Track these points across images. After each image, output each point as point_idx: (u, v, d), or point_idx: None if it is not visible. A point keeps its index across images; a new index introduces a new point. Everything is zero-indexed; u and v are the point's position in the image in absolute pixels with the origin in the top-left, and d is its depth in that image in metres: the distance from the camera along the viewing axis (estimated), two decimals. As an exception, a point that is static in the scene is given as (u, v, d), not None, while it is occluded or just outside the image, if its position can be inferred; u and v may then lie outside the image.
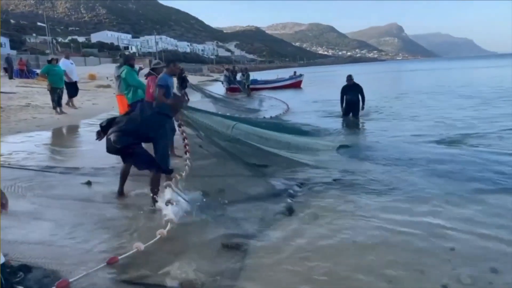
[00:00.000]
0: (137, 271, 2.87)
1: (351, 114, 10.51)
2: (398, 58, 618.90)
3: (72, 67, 12.95)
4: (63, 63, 12.50)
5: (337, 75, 37.42)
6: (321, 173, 5.44)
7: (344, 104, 10.62)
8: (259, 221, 3.85)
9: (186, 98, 13.03)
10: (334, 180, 5.11)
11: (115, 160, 5.16)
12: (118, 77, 8.02)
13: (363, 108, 10.39)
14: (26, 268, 2.72)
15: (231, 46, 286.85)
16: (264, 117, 11.11)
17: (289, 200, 4.40)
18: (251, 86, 23.55)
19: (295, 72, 29.37)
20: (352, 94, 10.43)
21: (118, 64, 8.94)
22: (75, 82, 13.28)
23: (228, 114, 9.93)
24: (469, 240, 3.34)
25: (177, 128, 5.93)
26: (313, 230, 3.65)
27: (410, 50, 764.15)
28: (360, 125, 10.01)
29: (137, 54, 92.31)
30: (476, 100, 13.93)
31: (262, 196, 4.61)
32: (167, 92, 6.01)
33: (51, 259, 3.01)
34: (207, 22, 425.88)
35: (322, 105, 14.39)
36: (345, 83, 10.62)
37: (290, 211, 4.09)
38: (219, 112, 10.68)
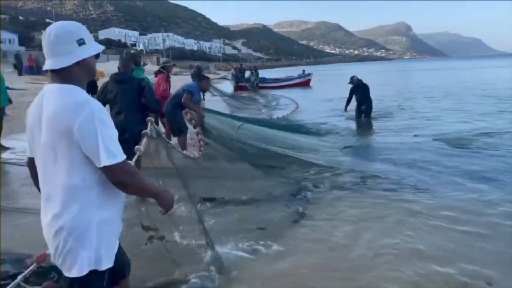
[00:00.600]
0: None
1: (362, 115, 10.46)
2: (405, 57, 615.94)
3: None
4: None
5: (345, 74, 37.09)
6: (332, 173, 5.41)
7: (356, 104, 10.59)
8: (272, 223, 3.82)
9: (202, 98, 13.04)
10: (349, 180, 5.10)
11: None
12: None
13: (370, 110, 10.44)
14: (56, 268, 2.69)
15: (238, 44, 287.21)
16: (271, 118, 11.05)
17: (303, 201, 4.37)
18: (260, 85, 23.73)
19: (303, 71, 29.25)
20: (361, 94, 10.48)
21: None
22: (93, 81, 12.97)
23: (234, 113, 9.89)
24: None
25: (188, 125, 6.01)
26: (328, 232, 3.62)
27: (418, 49, 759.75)
28: (372, 125, 9.92)
29: (144, 52, 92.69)
30: (491, 99, 13.79)
31: (273, 198, 4.57)
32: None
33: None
34: (214, 19, 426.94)
35: (333, 104, 14.25)
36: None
37: (303, 214, 4.05)
38: (228, 111, 10.68)
